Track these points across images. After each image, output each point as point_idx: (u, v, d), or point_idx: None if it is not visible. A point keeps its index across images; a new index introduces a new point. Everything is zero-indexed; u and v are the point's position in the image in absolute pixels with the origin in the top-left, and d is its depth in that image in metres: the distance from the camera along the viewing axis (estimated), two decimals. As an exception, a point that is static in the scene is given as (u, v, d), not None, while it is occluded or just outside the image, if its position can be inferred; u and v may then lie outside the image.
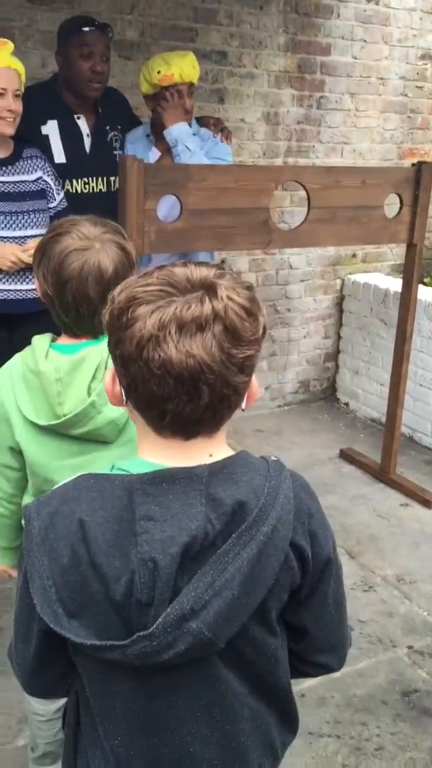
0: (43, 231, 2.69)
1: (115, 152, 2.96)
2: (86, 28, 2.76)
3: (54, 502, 0.95)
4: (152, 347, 0.86)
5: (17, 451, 1.52)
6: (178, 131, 2.83)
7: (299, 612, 1.02)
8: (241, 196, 2.84)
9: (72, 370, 1.41)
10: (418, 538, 3.23)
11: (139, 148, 2.93)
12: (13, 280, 2.64)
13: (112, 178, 2.91)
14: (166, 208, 2.79)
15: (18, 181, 2.66)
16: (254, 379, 0.96)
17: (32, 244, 2.60)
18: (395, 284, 4.16)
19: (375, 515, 3.41)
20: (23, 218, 2.65)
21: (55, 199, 2.79)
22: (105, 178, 2.92)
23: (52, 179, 2.77)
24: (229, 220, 2.84)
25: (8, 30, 3.15)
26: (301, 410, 4.61)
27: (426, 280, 4.56)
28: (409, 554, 3.11)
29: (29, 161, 2.71)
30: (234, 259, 4.10)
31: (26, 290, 2.68)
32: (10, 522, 1.66)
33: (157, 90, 2.86)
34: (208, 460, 0.94)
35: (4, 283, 2.63)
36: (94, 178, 2.92)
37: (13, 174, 2.66)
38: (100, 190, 2.91)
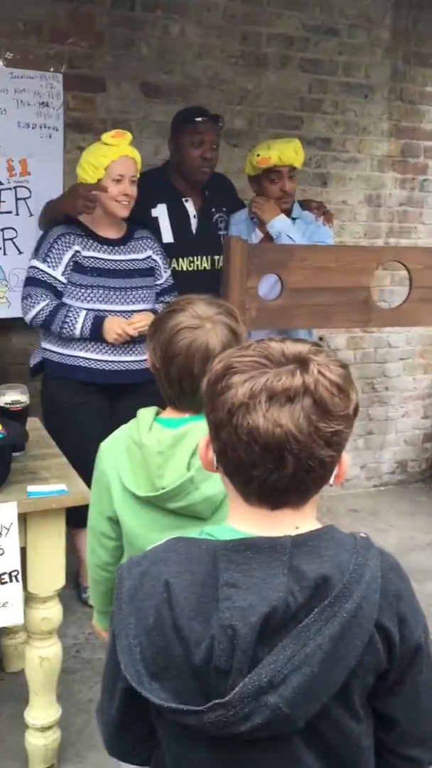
0: (149, 306, 2.82)
1: (220, 233, 3.08)
2: (199, 118, 2.93)
3: (145, 562, 0.97)
4: (242, 414, 0.90)
5: (115, 521, 1.55)
6: (281, 224, 2.92)
7: (388, 700, 0.98)
8: (341, 276, 2.87)
9: (174, 444, 1.43)
10: None
11: (243, 230, 3.04)
12: (117, 352, 2.75)
13: (215, 257, 3.01)
14: (267, 286, 2.85)
15: (129, 260, 2.81)
16: (345, 456, 0.97)
17: (137, 318, 2.71)
18: None
19: None
20: (132, 294, 2.78)
21: (162, 277, 2.91)
22: (209, 257, 3.03)
23: (160, 258, 2.90)
24: (329, 299, 2.87)
25: (127, 121, 3.38)
26: (398, 491, 4.48)
27: None
28: None
29: (140, 241, 2.86)
30: (332, 336, 4.11)
31: (129, 361, 2.78)
32: (104, 589, 1.68)
33: (258, 172, 2.98)
34: (294, 532, 0.94)
35: (109, 354, 2.74)
36: (199, 257, 3.04)
37: (126, 253, 2.81)
38: (204, 268, 3.03)
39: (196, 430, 1.44)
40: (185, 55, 3.48)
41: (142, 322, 2.72)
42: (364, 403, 4.35)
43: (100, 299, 2.72)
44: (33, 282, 2.74)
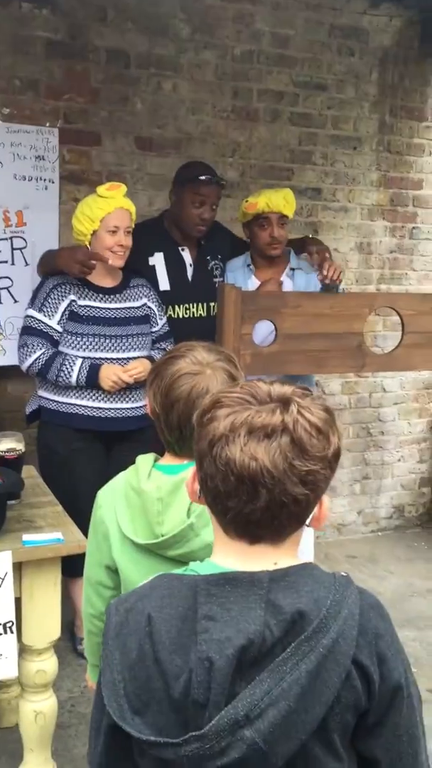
0: (145, 353, 2.84)
1: (215, 279, 3.12)
2: (202, 177, 2.96)
3: (131, 599, 0.99)
4: (221, 446, 0.93)
5: (113, 570, 1.53)
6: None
7: (369, 742, 0.97)
8: (335, 322, 2.91)
9: (173, 491, 1.43)
10: None
11: (239, 277, 3.07)
12: (113, 399, 2.76)
13: (211, 304, 3.05)
14: (266, 332, 2.87)
15: (125, 308, 2.84)
16: (325, 500, 0.99)
17: (133, 365, 2.73)
18: None
19: None
20: (128, 341, 2.80)
21: (158, 324, 2.95)
22: (205, 304, 3.07)
23: (155, 305, 2.94)
24: (323, 344, 2.90)
25: (121, 174, 3.46)
26: (395, 536, 4.45)
27: None
28: None
29: (136, 289, 2.90)
30: (326, 381, 4.14)
31: (125, 408, 2.79)
32: (99, 641, 1.64)
33: (249, 218, 3.03)
34: (273, 568, 0.96)
35: (105, 401, 2.75)
36: (195, 304, 3.07)
37: (121, 301, 2.84)
38: (200, 315, 3.06)
39: None
40: (178, 110, 3.58)
41: (137, 369, 2.73)
42: (359, 448, 4.35)
43: (96, 347, 2.74)
44: (29, 331, 2.76)
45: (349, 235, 4.12)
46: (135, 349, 2.81)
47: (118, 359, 2.76)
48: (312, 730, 0.89)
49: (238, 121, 3.72)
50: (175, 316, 3.05)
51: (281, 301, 2.83)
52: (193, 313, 3.07)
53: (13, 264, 3.27)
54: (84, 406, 2.75)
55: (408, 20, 4.03)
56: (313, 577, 0.95)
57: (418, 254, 4.34)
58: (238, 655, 0.88)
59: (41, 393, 2.84)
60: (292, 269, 3.12)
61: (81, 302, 2.76)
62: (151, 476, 1.46)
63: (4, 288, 3.27)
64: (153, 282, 3.00)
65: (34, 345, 2.73)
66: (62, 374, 2.69)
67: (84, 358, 2.71)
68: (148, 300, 2.92)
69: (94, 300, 2.79)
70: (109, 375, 2.69)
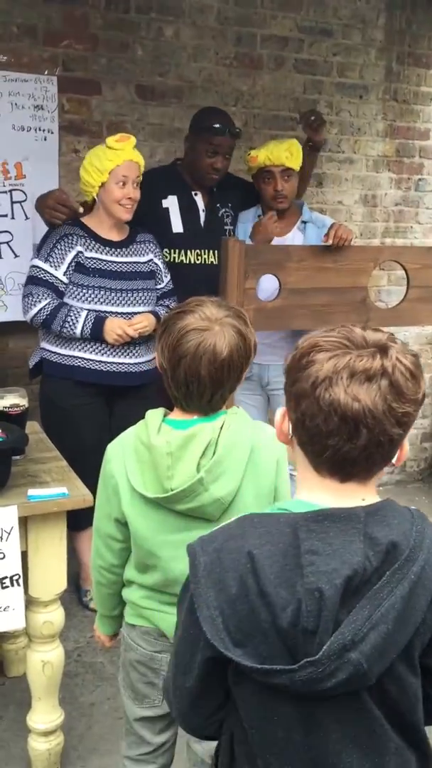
0: (149, 309, 2.82)
1: (226, 227, 3.10)
2: (218, 126, 2.92)
3: (219, 539, 1.04)
4: (325, 387, 0.99)
5: (122, 523, 1.55)
6: None
7: None
8: (339, 276, 2.88)
9: (183, 446, 1.43)
10: None
11: (249, 228, 3.03)
12: (117, 354, 2.75)
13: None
14: (271, 288, 2.84)
15: (131, 262, 2.81)
16: (405, 441, 1.05)
17: (138, 319, 2.72)
18: None
19: None
20: (133, 296, 2.78)
21: (163, 281, 2.93)
22: (216, 252, 3.03)
23: (161, 262, 2.92)
24: (327, 299, 2.87)
25: (122, 124, 3.38)
26: (396, 492, 4.48)
27: None
28: None
29: (142, 245, 2.87)
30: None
31: (128, 364, 2.78)
32: (110, 591, 1.67)
33: (253, 172, 3.00)
34: (362, 504, 1.03)
35: (108, 355, 2.74)
36: (207, 251, 3.04)
37: (128, 255, 2.81)
38: (212, 262, 3.03)
39: (206, 431, 1.44)
40: (180, 57, 3.48)
41: (142, 323, 2.72)
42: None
43: (101, 300, 2.72)
44: (34, 281, 2.73)
45: (353, 187, 4.04)
46: (140, 304, 2.79)
47: (123, 313, 2.74)
48: (401, 649, 0.98)
49: (241, 69, 3.62)
50: (187, 262, 3.03)
51: (285, 255, 2.80)
52: (205, 259, 3.04)
53: (12, 218, 3.22)
54: (87, 359, 2.74)
55: (417, -39, 3.89)
56: (398, 512, 1.03)
57: (423, 207, 4.27)
58: (345, 585, 0.95)
59: (44, 345, 2.82)
60: (304, 222, 3.08)
61: (88, 254, 2.74)
62: (161, 431, 1.46)
63: (4, 242, 3.22)
64: (166, 224, 2.98)
65: (39, 295, 2.71)
66: (67, 325, 2.67)
67: (89, 310, 2.69)
68: (155, 256, 2.90)
69: (101, 253, 2.76)
70: (113, 328, 2.68)
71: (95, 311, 2.70)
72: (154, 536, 1.50)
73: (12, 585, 1.91)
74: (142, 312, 2.77)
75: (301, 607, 0.95)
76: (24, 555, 1.96)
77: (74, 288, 2.71)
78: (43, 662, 2.06)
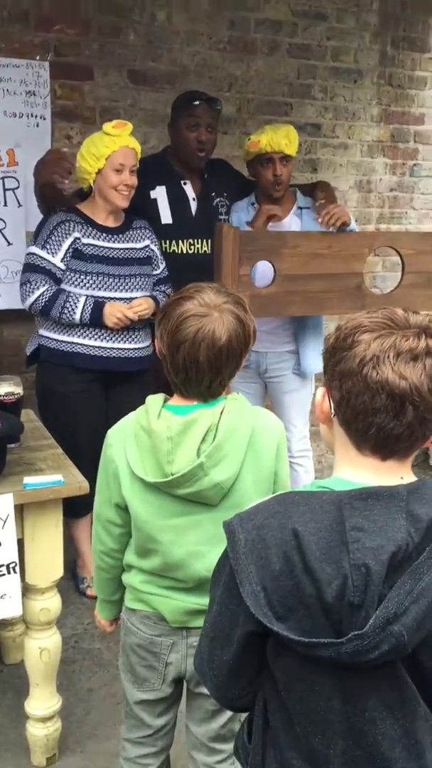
0: (147, 293, 2.82)
1: (221, 217, 3.07)
2: (195, 102, 2.91)
3: (259, 516, 1.07)
4: (372, 366, 1.02)
5: (122, 508, 1.56)
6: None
7: None
8: (334, 262, 2.87)
9: (183, 431, 1.43)
10: None
11: (244, 216, 3.02)
12: (116, 339, 2.74)
13: None
14: (266, 275, 2.83)
15: (128, 248, 2.81)
16: None
17: (137, 302, 2.72)
18: None
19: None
20: (131, 281, 2.77)
21: (159, 267, 2.92)
22: (209, 241, 3.01)
23: (157, 248, 2.91)
24: (322, 286, 2.87)
25: (115, 109, 3.36)
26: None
27: None
28: None
29: (138, 231, 2.86)
30: (325, 323, 4.10)
31: (127, 349, 2.78)
32: (110, 576, 1.68)
33: (251, 157, 2.98)
34: (401, 482, 1.06)
35: (107, 341, 2.74)
36: (200, 240, 3.02)
37: (124, 242, 2.81)
38: (205, 251, 3.01)
39: (205, 416, 1.44)
40: (173, 42, 3.45)
41: (142, 306, 2.72)
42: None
43: (99, 286, 2.71)
44: (32, 268, 2.72)
45: (348, 173, 4.03)
46: (138, 289, 2.79)
47: (122, 299, 2.74)
48: None
49: (234, 53, 3.60)
50: (178, 252, 3.01)
51: (280, 242, 2.79)
52: (198, 249, 3.02)
53: (5, 205, 3.20)
54: (86, 345, 2.73)
55: None
56: None
57: (418, 192, 4.26)
58: (390, 561, 0.98)
59: (42, 332, 2.81)
60: (300, 208, 3.07)
61: (85, 240, 2.73)
62: (161, 416, 1.46)
63: (-2, 230, 3.21)
64: (154, 216, 2.96)
65: (37, 282, 2.70)
66: (66, 311, 2.66)
67: (87, 296, 2.69)
68: (151, 242, 2.89)
69: (98, 239, 2.76)
70: (113, 312, 2.67)
71: (93, 297, 2.69)
72: (154, 521, 1.50)
73: (8, 572, 1.92)
74: (140, 297, 2.77)
75: (346, 582, 0.98)
76: (20, 543, 1.96)
77: (72, 274, 2.70)
78: (41, 649, 2.07)
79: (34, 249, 2.73)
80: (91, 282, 2.70)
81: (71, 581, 3.06)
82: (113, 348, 2.75)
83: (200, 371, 1.44)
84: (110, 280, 2.72)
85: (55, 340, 2.76)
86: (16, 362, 3.14)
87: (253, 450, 1.49)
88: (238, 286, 2.68)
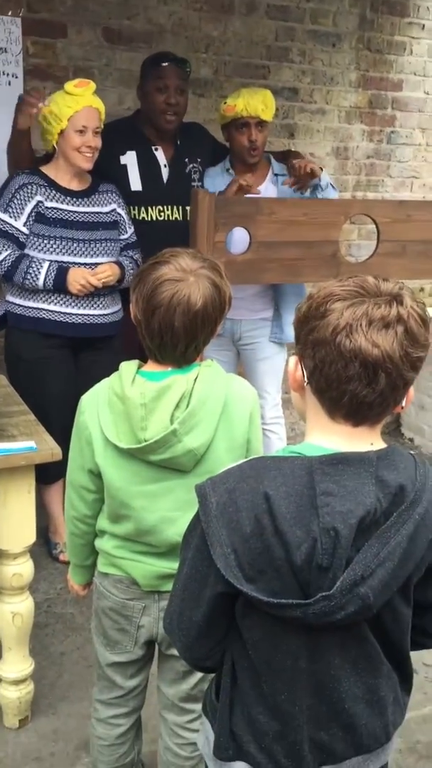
0: (113, 259, 2.77)
1: (194, 184, 3.02)
2: (164, 63, 2.84)
3: (230, 480, 1.08)
4: (345, 335, 1.03)
5: (96, 474, 1.56)
6: (327, 178, 2.93)
7: (428, 590, 1.15)
8: (310, 229, 2.85)
9: (157, 397, 1.43)
10: None
11: (219, 182, 2.98)
12: (82, 305, 2.71)
13: (188, 208, 2.96)
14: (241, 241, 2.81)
15: (93, 212, 2.75)
16: (412, 385, 1.11)
17: (101, 269, 2.68)
18: (465, 319, 4.08)
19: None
20: (96, 246, 2.73)
21: (126, 232, 2.87)
22: (181, 208, 2.97)
23: (125, 212, 2.86)
24: (297, 253, 2.85)
25: (88, 69, 3.28)
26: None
27: None
28: None
29: (104, 195, 2.80)
30: (307, 290, 4.10)
31: (94, 315, 2.75)
32: (83, 542, 1.69)
33: (227, 121, 2.93)
34: (371, 448, 1.08)
35: (73, 307, 2.71)
36: (170, 207, 2.98)
37: (89, 205, 2.75)
38: (176, 218, 2.97)
39: (180, 383, 1.44)
40: (149, 0, 3.37)
41: (106, 272, 2.68)
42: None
43: (64, 251, 2.67)
44: None
45: (325, 139, 3.99)
46: (103, 255, 2.75)
47: (86, 264, 2.70)
48: (401, 584, 1.06)
49: (212, 13, 3.52)
50: (148, 219, 2.96)
51: (255, 208, 2.76)
52: (168, 215, 2.98)
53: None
54: (52, 311, 2.70)
55: None
56: (404, 456, 1.10)
57: (395, 160, 4.24)
58: (358, 525, 1.01)
59: (9, 298, 2.77)
60: (276, 175, 3.04)
61: (48, 204, 2.67)
62: (135, 382, 1.46)
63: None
64: (124, 182, 2.90)
65: None
66: (29, 277, 2.62)
67: (51, 261, 2.64)
68: (117, 206, 2.83)
69: (62, 202, 2.70)
70: (77, 278, 2.63)
71: (58, 262, 2.65)
72: (127, 487, 1.51)
73: (-20, 538, 1.91)
74: (106, 262, 2.73)
75: (315, 545, 1.01)
76: (-8, 508, 1.96)
77: (36, 239, 2.65)
78: (13, 613, 2.08)
79: None
80: (54, 247, 2.65)
81: (44, 547, 3.07)
82: (80, 314, 2.72)
83: (175, 336, 1.43)
84: (74, 245, 2.68)
85: (21, 306, 2.72)
86: (-13, 327, 3.09)
87: (227, 417, 1.49)
88: (213, 253, 2.65)
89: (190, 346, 1.47)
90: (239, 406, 1.52)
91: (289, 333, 3.13)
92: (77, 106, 2.58)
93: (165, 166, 2.99)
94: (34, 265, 2.62)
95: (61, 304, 2.69)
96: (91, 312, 2.74)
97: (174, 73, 2.86)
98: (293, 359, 1.13)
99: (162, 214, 2.97)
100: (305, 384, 1.11)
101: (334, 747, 1.14)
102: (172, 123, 2.92)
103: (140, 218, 2.94)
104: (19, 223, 2.65)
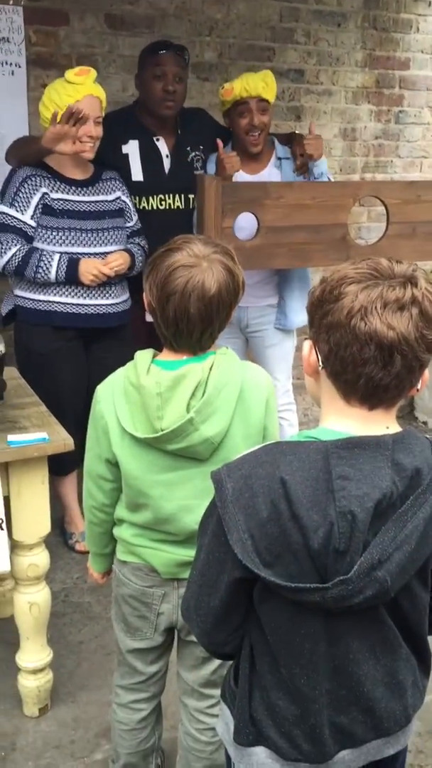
0: (121, 247, 2.76)
1: (197, 172, 2.99)
2: (161, 51, 2.81)
3: (246, 466, 1.08)
4: (360, 317, 1.03)
5: (113, 464, 1.56)
6: (324, 166, 2.91)
7: None
8: (318, 213, 2.83)
9: (173, 386, 1.43)
10: None
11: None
12: (92, 295, 2.70)
13: (190, 196, 2.94)
14: (248, 227, 2.79)
15: (98, 201, 2.74)
16: (427, 367, 1.10)
17: (113, 257, 2.67)
18: None
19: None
20: (104, 235, 2.72)
21: (132, 219, 2.86)
22: (183, 196, 2.95)
23: (129, 199, 2.85)
24: (306, 237, 2.83)
25: (91, 56, 3.25)
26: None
27: None
28: None
29: (108, 183, 2.79)
30: (311, 276, 4.07)
31: (106, 305, 2.75)
32: (101, 530, 1.69)
33: (228, 106, 2.90)
34: (386, 432, 1.08)
35: (85, 298, 2.70)
36: (171, 195, 2.96)
37: (94, 194, 2.74)
38: (178, 207, 2.95)
39: (195, 371, 1.44)
40: (151, -16, 3.34)
41: (117, 261, 2.67)
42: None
43: (73, 242, 2.66)
44: (1, 228, 2.66)
45: (332, 120, 3.95)
46: (112, 243, 2.73)
47: (96, 253, 2.69)
48: (418, 567, 1.06)
49: (215, -4, 3.48)
50: (149, 208, 2.94)
51: (263, 193, 2.74)
52: (170, 204, 2.96)
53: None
54: (64, 303, 2.69)
55: None
56: (420, 440, 1.09)
57: (404, 140, 4.19)
58: (375, 508, 1.01)
59: (18, 292, 2.76)
60: (279, 159, 3.01)
61: (54, 195, 2.65)
62: (150, 372, 1.46)
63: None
64: (125, 172, 2.88)
65: (8, 242, 2.63)
66: (41, 270, 2.61)
67: (61, 253, 2.63)
68: (122, 194, 2.82)
69: (67, 193, 2.68)
70: (89, 269, 2.62)
71: (68, 253, 2.64)
72: (144, 476, 1.51)
73: (-4, 529, 1.92)
74: (115, 251, 2.72)
75: (332, 529, 1.01)
76: (7, 500, 1.97)
77: (43, 231, 2.64)
78: (30, 603, 2.09)
79: (2, 208, 2.66)
80: (63, 238, 2.64)
81: (60, 537, 3.08)
82: (91, 305, 2.71)
83: (191, 323, 1.43)
84: (83, 235, 2.66)
85: (32, 299, 2.71)
86: (-3, 319, 3.09)
87: (243, 404, 1.49)
88: (222, 239, 2.63)
89: (206, 333, 1.47)
90: (255, 393, 1.51)
91: (294, 319, 3.11)
92: (78, 95, 2.56)
93: (167, 156, 2.97)
94: (44, 259, 2.61)
95: (73, 296, 2.68)
96: (103, 302, 2.73)
97: (172, 61, 2.83)
98: (307, 343, 1.13)
99: (163, 203, 2.96)
100: (320, 368, 1.11)
101: (354, 730, 1.15)
102: (171, 110, 2.88)
103: (141, 207, 2.93)
104: (26, 217, 2.64)
